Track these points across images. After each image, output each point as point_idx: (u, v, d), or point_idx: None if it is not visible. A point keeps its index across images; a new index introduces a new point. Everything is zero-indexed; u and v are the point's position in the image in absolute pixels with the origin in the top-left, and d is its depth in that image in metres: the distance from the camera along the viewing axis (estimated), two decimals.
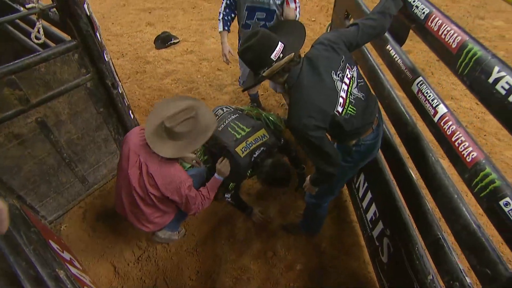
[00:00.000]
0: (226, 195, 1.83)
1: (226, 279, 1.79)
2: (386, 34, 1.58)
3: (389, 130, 1.65)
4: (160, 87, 3.25)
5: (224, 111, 1.97)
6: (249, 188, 2.26)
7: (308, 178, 1.51)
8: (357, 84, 1.25)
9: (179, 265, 1.86)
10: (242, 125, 1.84)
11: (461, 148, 1.04)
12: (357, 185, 1.91)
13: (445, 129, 1.13)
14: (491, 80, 0.91)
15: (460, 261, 1.09)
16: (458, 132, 1.07)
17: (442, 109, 1.17)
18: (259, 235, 2.00)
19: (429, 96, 1.24)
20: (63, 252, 1.52)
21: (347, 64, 1.21)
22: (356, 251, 1.91)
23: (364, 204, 1.78)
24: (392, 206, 1.47)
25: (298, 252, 1.91)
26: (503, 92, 0.86)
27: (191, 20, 4.40)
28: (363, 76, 1.38)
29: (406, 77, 1.42)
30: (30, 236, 1.18)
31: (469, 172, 1.00)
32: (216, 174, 1.72)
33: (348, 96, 1.20)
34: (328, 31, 2.64)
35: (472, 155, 0.99)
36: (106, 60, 1.75)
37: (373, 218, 1.67)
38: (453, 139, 1.08)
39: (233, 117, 1.90)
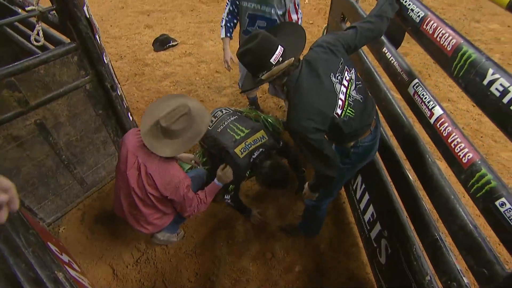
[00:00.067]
0: (225, 197, 1.84)
1: (225, 281, 1.80)
2: (382, 37, 1.60)
3: (386, 132, 1.67)
4: (159, 89, 3.26)
5: (223, 112, 1.98)
6: (247, 190, 2.27)
7: (306, 185, 1.51)
8: (355, 86, 1.26)
9: (178, 267, 1.85)
10: (241, 126, 1.85)
11: (457, 149, 1.05)
12: (354, 187, 1.92)
13: (441, 131, 1.14)
14: (485, 82, 0.92)
15: (458, 261, 1.10)
16: (454, 134, 1.09)
17: (438, 111, 1.19)
18: (258, 236, 2.00)
19: (425, 98, 1.26)
20: (61, 254, 1.52)
21: (346, 67, 1.22)
22: (355, 252, 1.92)
23: (362, 205, 1.79)
24: (390, 207, 1.48)
25: (297, 254, 1.91)
26: (497, 94, 0.88)
27: (190, 22, 4.42)
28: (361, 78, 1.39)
29: (402, 79, 1.44)
30: (29, 238, 1.18)
31: (465, 173, 1.01)
32: (216, 180, 1.72)
33: (346, 98, 1.21)
34: (325, 33, 2.66)
35: (468, 156, 1.01)
36: (105, 62, 1.76)
37: (371, 219, 1.68)
38: (449, 140, 1.09)
39: (232, 118, 1.91)
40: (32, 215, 1.84)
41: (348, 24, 2.16)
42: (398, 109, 1.51)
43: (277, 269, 1.85)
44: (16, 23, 2.18)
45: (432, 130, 1.21)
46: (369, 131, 1.34)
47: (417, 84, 1.33)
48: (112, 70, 1.86)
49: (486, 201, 0.92)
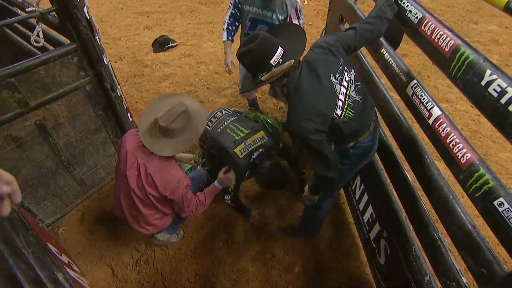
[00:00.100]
0: (225, 197, 1.84)
1: (224, 282, 1.80)
2: (381, 38, 1.61)
3: (385, 132, 1.68)
4: (158, 90, 3.26)
5: (223, 113, 1.99)
6: (247, 190, 2.27)
7: (306, 187, 1.52)
8: (355, 87, 1.26)
9: (178, 267, 1.85)
10: (241, 126, 1.85)
11: (455, 149, 1.06)
12: (353, 188, 1.92)
13: (440, 131, 1.15)
14: (483, 83, 0.93)
15: (457, 261, 1.11)
16: (452, 134, 1.09)
17: (436, 112, 1.20)
18: (257, 237, 2.00)
19: (424, 99, 1.27)
20: (61, 255, 1.52)
21: (346, 67, 1.22)
22: (355, 253, 1.92)
23: (361, 206, 1.80)
24: (389, 208, 1.48)
25: (297, 254, 1.91)
26: (495, 94, 0.89)
27: (189, 23, 4.43)
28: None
29: (401, 80, 1.44)
30: (28, 239, 1.18)
31: (464, 173, 1.02)
32: (216, 182, 1.72)
33: (346, 99, 1.22)
34: (323, 35, 2.67)
35: (467, 156, 1.02)
36: (105, 63, 1.76)
37: (370, 220, 1.68)
38: (448, 141, 1.10)
39: (232, 119, 1.92)
40: (31, 216, 1.84)
41: (346, 25, 2.17)
42: (397, 110, 1.51)
43: (276, 269, 1.85)
44: (16, 24, 2.19)
45: (431, 131, 1.22)
46: (369, 132, 1.34)
47: (416, 85, 1.34)
48: (112, 71, 1.86)
49: (484, 201, 0.93)
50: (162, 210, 1.59)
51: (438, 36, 1.15)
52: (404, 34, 1.49)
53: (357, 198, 1.86)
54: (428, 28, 1.21)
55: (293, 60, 1.11)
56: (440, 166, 1.25)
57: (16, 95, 1.49)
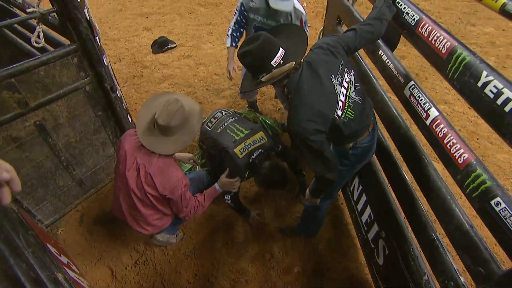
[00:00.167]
0: (226, 197, 1.85)
1: (224, 282, 1.80)
2: (378, 40, 1.62)
3: (383, 134, 1.69)
4: (158, 91, 3.26)
5: (223, 114, 2.00)
6: (246, 191, 2.28)
7: (307, 191, 1.52)
8: (354, 88, 1.27)
9: (177, 268, 1.86)
10: (241, 127, 1.86)
11: (453, 150, 1.07)
12: (351, 189, 1.93)
13: (437, 132, 1.16)
14: (480, 84, 0.94)
15: (455, 261, 1.12)
16: (449, 135, 1.11)
17: (434, 113, 1.21)
18: (256, 238, 2.01)
19: (421, 100, 1.28)
20: (60, 255, 1.52)
21: (346, 68, 1.23)
22: (353, 253, 1.93)
23: (359, 207, 1.81)
24: (387, 208, 1.49)
25: (296, 255, 1.92)
26: (492, 95, 0.90)
27: (188, 25, 4.44)
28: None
29: (398, 82, 1.46)
30: (28, 239, 1.18)
31: (461, 173, 1.03)
32: (217, 185, 1.73)
33: (347, 99, 1.22)
34: (321, 37, 2.69)
35: (464, 156, 1.03)
36: (105, 64, 1.77)
37: (368, 220, 1.69)
38: (445, 141, 1.11)
39: (232, 119, 1.93)
40: (30, 216, 1.84)
41: (344, 27, 2.19)
42: (395, 111, 1.53)
43: (276, 270, 1.85)
44: (15, 25, 2.19)
45: (428, 132, 1.23)
46: (368, 132, 1.35)
47: (413, 86, 1.36)
48: (111, 71, 1.86)
49: (481, 201, 0.94)
50: (162, 210, 1.60)
51: (435, 38, 1.16)
52: (402, 36, 1.50)
53: (355, 199, 1.87)
54: (425, 30, 1.22)
55: (294, 62, 1.10)
56: (438, 167, 1.26)
57: (16, 96, 1.49)
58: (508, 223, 0.85)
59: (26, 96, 1.53)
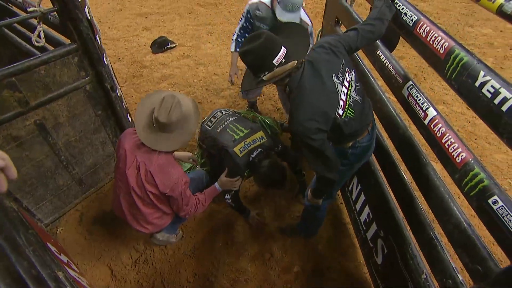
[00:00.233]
0: (226, 196, 1.85)
1: (223, 281, 1.80)
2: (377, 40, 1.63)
3: (381, 133, 1.70)
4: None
5: (223, 113, 2.01)
6: (246, 191, 2.28)
7: (309, 192, 1.52)
8: (355, 88, 1.28)
9: (177, 267, 1.86)
10: (240, 126, 1.87)
11: (451, 149, 1.08)
12: (350, 188, 1.94)
13: (435, 132, 1.17)
14: (477, 84, 0.95)
15: (453, 260, 1.13)
16: (447, 134, 1.12)
17: (432, 112, 1.22)
18: (256, 237, 2.02)
19: (419, 99, 1.29)
20: (60, 254, 1.52)
21: (347, 68, 1.24)
22: (352, 253, 1.94)
23: (358, 206, 1.81)
24: (386, 208, 1.50)
25: (295, 254, 1.93)
26: (489, 95, 0.91)
27: (188, 25, 4.45)
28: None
29: (397, 82, 1.47)
30: (29, 238, 1.18)
31: (459, 172, 1.04)
32: (217, 184, 1.74)
33: (347, 99, 1.23)
34: (319, 37, 2.70)
35: (462, 156, 1.04)
36: (106, 63, 1.77)
37: (367, 220, 1.70)
38: (443, 141, 1.12)
39: (232, 119, 1.93)
40: (30, 215, 1.84)
41: (342, 28, 2.20)
42: (393, 111, 1.54)
43: (275, 269, 1.86)
44: (15, 24, 2.19)
45: (426, 131, 1.24)
46: (367, 132, 1.36)
47: (411, 86, 1.37)
48: (112, 71, 1.87)
49: (479, 200, 0.95)
50: (162, 209, 1.60)
51: (433, 38, 1.18)
52: (400, 37, 1.52)
53: (354, 199, 1.88)
54: (423, 31, 1.23)
55: (296, 61, 1.10)
56: (436, 167, 1.28)
57: (17, 95, 1.49)
58: (506, 221, 0.86)
59: (26, 95, 1.53)
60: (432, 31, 1.19)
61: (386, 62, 1.56)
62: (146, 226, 1.63)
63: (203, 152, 2.23)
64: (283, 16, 1.83)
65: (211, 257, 1.91)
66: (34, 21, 1.76)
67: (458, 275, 1.08)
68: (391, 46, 1.66)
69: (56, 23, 1.81)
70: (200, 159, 2.28)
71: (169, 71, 3.55)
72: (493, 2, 0.91)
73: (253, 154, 1.79)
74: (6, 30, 2.19)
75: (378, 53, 1.63)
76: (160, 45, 3.87)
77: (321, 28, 2.66)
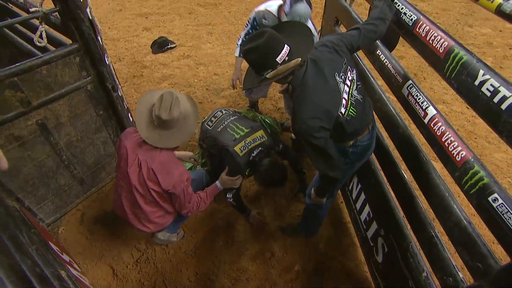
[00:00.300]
0: (227, 195, 1.86)
1: (225, 280, 1.81)
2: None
3: (381, 132, 1.70)
4: None
5: (223, 113, 2.01)
6: (246, 190, 2.29)
7: (312, 191, 1.53)
8: (356, 86, 1.29)
9: (178, 266, 1.87)
10: (241, 125, 1.88)
11: (450, 148, 1.09)
12: (350, 187, 1.94)
13: (435, 130, 1.18)
14: (476, 82, 0.96)
15: (453, 258, 1.13)
16: (447, 133, 1.13)
17: (431, 111, 1.23)
18: (257, 236, 2.02)
19: (419, 98, 1.30)
20: (62, 254, 1.53)
21: (349, 67, 1.24)
22: (353, 252, 1.95)
23: (358, 205, 1.82)
24: (386, 207, 1.51)
25: (296, 253, 1.93)
26: (488, 94, 0.92)
27: (188, 25, 4.46)
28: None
29: (397, 81, 1.48)
30: (31, 237, 1.19)
31: (459, 170, 1.05)
32: (218, 182, 1.75)
33: (349, 97, 1.23)
34: (319, 37, 2.70)
35: (462, 154, 1.05)
36: (107, 63, 1.78)
37: (367, 219, 1.71)
38: (443, 139, 1.13)
39: (232, 118, 1.94)
40: (32, 215, 1.84)
41: (342, 28, 2.21)
42: (393, 110, 1.54)
43: (276, 268, 1.87)
44: (15, 24, 2.19)
45: (426, 130, 1.24)
46: (368, 130, 1.37)
47: (411, 85, 1.38)
48: (113, 71, 1.88)
49: (479, 197, 0.96)
50: (164, 207, 1.61)
51: (432, 37, 1.18)
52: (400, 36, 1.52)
53: (354, 198, 1.89)
54: (423, 30, 1.24)
55: (300, 59, 1.09)
56: (436, 166, 1.28)
57: (19, 95, 1.50)
58: (505, 218, 0.87)
59: (28, 95, 1.54)
60: (431, 31, 1.20)
61: (386, 61, 1.57)
62: (148, 225, 1.63)
63: (203, 152, 2.24)
64: None
65: (212, 256, 1.92)
66: (35, 21, 1.76)
67: (459, 273, 1.09)
68: (390, 46, 1.67)
69: (58, 23, 1.82)
70: (201, 159, 2.29)
71: (169, 71, 3.56)
72: (492, 2, 0.92)
73: (253, 153, 1.80)
74: (7, 30, 2.20)
75: (378, 52, 1.64)
76: (160, 45, 3.88)
77: (320, 28, 2.66)
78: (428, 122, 1.23)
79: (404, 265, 1.35)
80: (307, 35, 1.18)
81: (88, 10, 1.54)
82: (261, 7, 2.07)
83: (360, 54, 1.93)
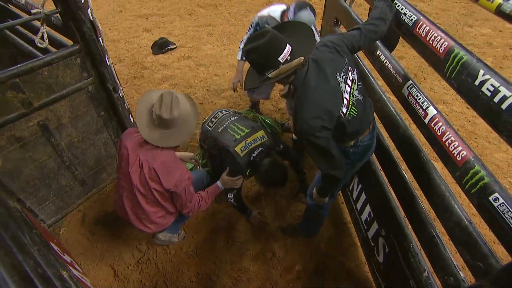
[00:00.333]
0: (228, 196, 1.86)
1: (226, 281, 1.81)
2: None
3: (382, 133, 1.71)
4: None
5: (224, 113, 2.02)
6: (247, 191, 2.29)
7: (314, 191, 1.53)
8: (357, 86, 1.29)
9: (179, 267, 1.87)
10: (241, 126, 1.88)
11: (451, 147, 1.09)
12: (351, 188, 1.95)
13: (436, 130, 1.18)
14: (477, 82, 0.97)
15: (454, 257, 1.13)
16: (448, 133, 1.13)
17: (432, 111, 1.23)
18: (257, 237, 2.02)
19: (419, 98, 1.30)
20: (63, 254, 1.53)
21: (350, 67, 1.25)
22: (354, 252, 1.95)
23: (359, 205, 1.82)
24: (387, 207, 1.51)
25: (297, 253, 1.94)
26: (488, 94, 0.92)
27: (188, 26, 4.47)
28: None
29: (397, 81, 1.48)
30: (33, 238, 1.19)
31: (460, 170, 1.05)
32: (219, 182, 1.75)
33: (351, 97, 1.24)
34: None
35: (462, 154, 1.05)
36: (108, 64, 1.78)
37: (368, 219, 1.71)
38: (444, 139, 1.13)
39: (233, 119, 1.94)
40: (33, 216, 1.84)
41: (342, 28, 2.22)
42: (393, 111, 1.55)
43: (277, 268, 1.87)
44: (16, 26, 2.20)
45: (427, 130, 1.25)
46: (368, 130, 1.37)
47: (411, 85, 1.38)
48: (114, 72, 1.88)
49: (480, 197, 0.96)
50: (165, 207, 1.61)
51: (432, 38, 1.19)
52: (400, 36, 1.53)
53: (354, 198, 1.89)
54: (423, 30, 1.25)
55: (302, 58, 1.09)
56: (437, 166, 1.29)
57: (20, 96, 1.50)
58: (506, 218, 0.87)
59: (30, 96, 1.54)
60: (431, 31, 1.20)
61: (386, 62, 1.57)
62: (149, 225, 1.64)
63: (204, 153, 2.24)
64: None
65: (213, 256, 1.92)
66: (36, 23, 1.77)
67: (460, 272, 1.09)
68: (391, 46, 1.67)
69: (59, 24, 1.82)
70: (201, 160, 2.29)
71: (170, 72, 3.56)
72: (492, 2, 0.92)
73: (254, 153, 1.80)
74: (8, 32, 2.20)
75: (378, 53, 1.64)
76: (161, 46, 3.89)
77: (320, 28, 2.67)
78: (428, 122, 1.23)
79: (405, 265, 1.35)
80: (308, 35, 1.18)
81: (89, 11, 1.55)
82: (264, 12, 2.07)
83: (361, 54, 1.94)
